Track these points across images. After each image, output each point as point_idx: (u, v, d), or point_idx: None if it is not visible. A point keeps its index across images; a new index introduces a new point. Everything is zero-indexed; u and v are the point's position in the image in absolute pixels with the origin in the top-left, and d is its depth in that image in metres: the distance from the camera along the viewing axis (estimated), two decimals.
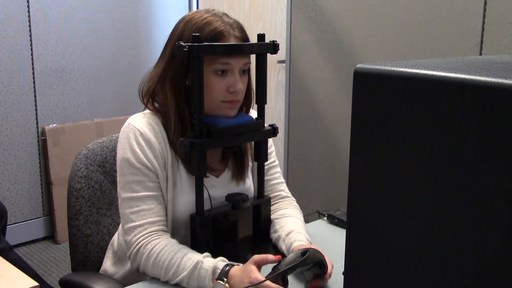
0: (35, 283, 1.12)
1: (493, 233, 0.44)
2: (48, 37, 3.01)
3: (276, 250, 1.28)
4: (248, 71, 1.24)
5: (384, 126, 0.52)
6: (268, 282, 1.01)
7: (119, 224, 1.36)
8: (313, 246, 1.16)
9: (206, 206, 1.22)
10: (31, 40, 2.94)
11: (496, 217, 0.44)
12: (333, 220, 1.48)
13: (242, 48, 1.18)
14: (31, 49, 2.95)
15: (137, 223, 1.17)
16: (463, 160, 0.46)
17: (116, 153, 1.40)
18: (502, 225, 0.44)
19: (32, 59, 2.96)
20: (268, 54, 1.24)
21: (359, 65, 0.54)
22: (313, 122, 2.70)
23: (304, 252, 1.04)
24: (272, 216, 1.35)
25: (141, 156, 1.19)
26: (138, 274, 1.20)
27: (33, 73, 2.97)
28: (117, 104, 3.36)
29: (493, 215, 0.44)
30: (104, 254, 1.40)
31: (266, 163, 1.34)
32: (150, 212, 1.18)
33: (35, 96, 2.99)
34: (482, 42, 1.97)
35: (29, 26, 2.93)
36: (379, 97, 0.52)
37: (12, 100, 2.90)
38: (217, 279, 1.05)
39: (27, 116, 2.97)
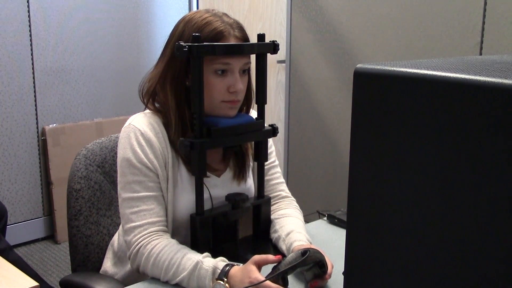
0: (35, 283, 1.12)
1: (487, 233, 0.44)
2: (48, 37, 3.01)
3: (276, 250, 1.28)
4: (248, 71, 1.24)
5: (384, 126, 0.52)
6: (268, 282, 1.01)
7: (119, 224, 1.36)
8: (313, 246, 1.16)
9: (208, 206, 1.22)
10: (31, 40, 2.94)
11: (490, 216, 0.44)
12: (333, 220, 1.48)
13: (242, 48, 1.18)
14: (31, 49, 2.95)
15: (137, 223, 1.17)
16: (463, 159, 0.46)
17: (115, 153, 1.41)
18: (491, 223, 0.44)
19: (32, 59, 2.96)
20: (268, 54, 1.24)
21: (359, 65, 0.54)
22: (313, 122, 2.70)
23: (304, 252, 1.04)
24: (272, 216, 1.35)
25: (142, 156, 1.19)
26: (138, 275, 1.20)
27: (33, 73, 2.97)
28: (117, 104, 3.36)
29: (485, 214, 0.44)
30: (104, 254, 1.39)
31: (266, 163, 1.34)
32: (150, 212, 1.18)
33: (35, 96, 2.99)
34: (482, 42, 1.97)
35: (29, 26, 2.92)
36: (379, 97, 0.52)
37: (12, 100, 2.90)
38: (217, 279, 1.05)
39: (27, 116, 2.97)
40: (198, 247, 1.17)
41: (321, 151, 2.67)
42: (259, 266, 1.06)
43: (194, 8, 3.70)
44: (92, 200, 1.37)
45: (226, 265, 1.08)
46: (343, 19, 2.47)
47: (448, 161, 0.47)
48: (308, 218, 1.49)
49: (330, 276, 1.10)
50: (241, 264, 1.07)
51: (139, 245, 1.16)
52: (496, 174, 0.44)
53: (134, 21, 3.38)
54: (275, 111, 3.32)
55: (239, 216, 1.26)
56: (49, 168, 3.02)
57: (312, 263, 1.06)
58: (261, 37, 1.22)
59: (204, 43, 1.12)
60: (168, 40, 1.24)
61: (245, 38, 1.23)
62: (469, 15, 1.99)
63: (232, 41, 1.19)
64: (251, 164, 1.37)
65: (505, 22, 1.90)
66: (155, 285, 1.13)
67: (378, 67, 0.52)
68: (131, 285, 1.14)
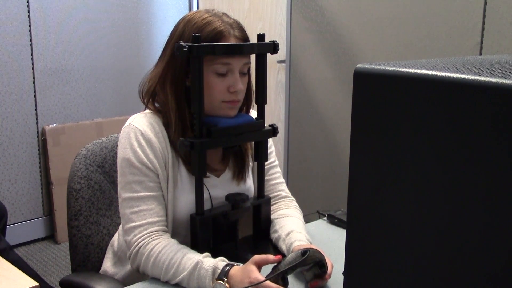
0: (35, 283, 1.12)
1: (487, 232, 0.44)
2: (48, 37, 3.01)
3: (276, 250, 1.28)
4: (248, 71, 1.24)
5: (384, 126, 0.52)
6: (268, 282, 1.01)
7: (119, 224, 1.36)
8: (313, 246, 1.16)
9: (207, 206, 1.22)
10: (31, 40, 2.94)
11: (490, 215, 0.44)
12: (333, 220, 1.48)
13: (242, 48, 1.18)
14: (31, 49, 2.95)
15: (137, 223, 1.17)
16: (463, 159, 0.46)
17: (115, 153, 1.41)
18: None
19: (32, 59, 2.96)
20: (268, 54, 1.24)
21: (359, 65, 0.54)
22: (313, 122, 2.70)
23: (304, 252, 1.04)
24: (272, 216, 1.35)
25: (142, 156, 1.19)
26: (138, 275, 1.20)
27: (33, 73, 2.97)
28: (117, 104, 3.36)
29: (486, 214, 0.44)
30: (104, 254, 1.39)
31: (266, 163, 1.34)
32: (150, 212, 1.18)
33: (35, 96, 2.99)
34: (482, 42, 1.97)
35: (29, 26, 2.92)
36: (379, 97, 0.52)
37: (12, 100, 2.90)
38: (217, 279, 1.05)
39: (27, 116, 2.97)
40: (198, 247, 1.17)
41: (321, 151, 2.67)
42: (259, 266, 1.06)
43: (194, 8, 3.70)
44: (92, 200, 1.37)
45: (226, 265, 1.08)
46: (343, 19, 2.47)
47: (448, 161, 0.47)
48: (308, 218, 1.49)
49: (330, 276, 1.10)
50: (241, 264, 1.08)
51: (139, 245, 1.16)
52: (496, 173, 0.44)
53: (134, 21, 3.38)
54: (275, 111, 3.32)
55: (239, 216, 1.26)
56: (49, 168, 3.02)
57: (312, 263, 1.06)
58: (261, 37, 1.22)
59: (204, 43, 1.12)
60: (168, 40, 1.24)
61: (245, 38, 1.23)
62: (469, 15, 1.99)
63: (232, 41, 1.19)
64: (251, 164, 1.37)
65: (505, 22, 1.90)
66: (155, 285, 1.13)
67: (378, 67, 0.52)
68: (131, 285, 1.14)
